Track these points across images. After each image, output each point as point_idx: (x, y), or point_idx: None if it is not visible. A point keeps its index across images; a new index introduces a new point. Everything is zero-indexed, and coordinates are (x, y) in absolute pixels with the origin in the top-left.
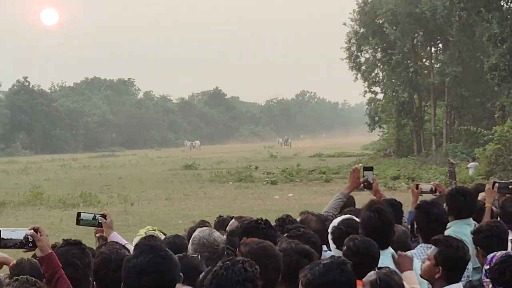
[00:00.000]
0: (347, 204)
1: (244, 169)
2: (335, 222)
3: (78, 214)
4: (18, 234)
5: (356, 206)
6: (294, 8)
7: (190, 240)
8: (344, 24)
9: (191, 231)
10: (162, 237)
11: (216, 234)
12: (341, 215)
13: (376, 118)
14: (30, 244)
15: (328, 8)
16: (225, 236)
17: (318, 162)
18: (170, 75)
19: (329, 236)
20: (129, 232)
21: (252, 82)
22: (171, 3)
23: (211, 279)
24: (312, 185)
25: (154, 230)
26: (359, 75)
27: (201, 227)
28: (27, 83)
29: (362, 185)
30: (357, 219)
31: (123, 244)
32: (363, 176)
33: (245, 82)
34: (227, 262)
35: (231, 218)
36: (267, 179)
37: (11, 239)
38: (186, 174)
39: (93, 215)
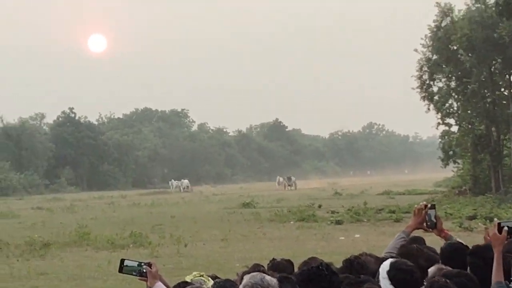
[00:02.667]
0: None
1: (306, 208)
2: (387, 265)
3: (122, 261)
4: (136, 264)
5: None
6: (362, 34)
7: (241, 287)
8: (415, 50)
9: (244, 275)
10: (211, 283)
11: (268, 278)
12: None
13: (450, 153)
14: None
15: (398, 34)
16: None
17: (386, 200)
18: (226, 106)
19: (385, 282)
20: (182, 276)
21: (315, 114)
22: (227, 31)
23: None
24: (381, 225)
25: (202, 275)
26: (431, 106)
27: (256, 270)
28: (73, 115)
29: (425, 224)
30: (405, 261)
31: None
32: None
33: (308, 113)
34: None
35: (286, 261)
36: (331, 218)
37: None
38: (244, 212)
39: (137, 262)
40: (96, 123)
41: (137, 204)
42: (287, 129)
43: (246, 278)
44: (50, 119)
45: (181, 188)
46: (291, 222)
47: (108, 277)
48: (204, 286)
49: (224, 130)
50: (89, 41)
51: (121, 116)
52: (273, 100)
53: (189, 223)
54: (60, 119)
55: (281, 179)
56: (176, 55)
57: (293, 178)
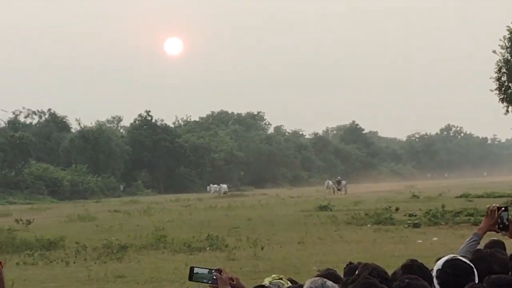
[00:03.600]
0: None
1: (383, 211)
2: (439, 264)
3: (192, 269)
4: (206, 271)
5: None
6: (438, 35)
7: None
8: (494, 52)
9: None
10: (288, 285)
11: (330, 283)
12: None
13: None
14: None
15: (476, 35)
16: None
17: (465, 203)
18: (302, 109)
19: (435, 281)
20: (259, 279)
21: (392, 116)
22: (303, 31)
23: None
24: (459, 229)
25: (280, 278)
26: (510, 108)
27: (328, 274)
28: (149, 118)
29: (497, 226)
30: (463, 259)
31: None
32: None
33: (384, 116)
34: None
35: (360, 265)
36: (409, 221)
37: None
38: (320, 215)
39: (208, 270)
40: (172, 126)
41: (214, 206)
42: (363, 132)
43: (307, 283)
44: (127, 122)
45: (220, 193)
46: (368, 225)
47: (185, 280)
48: None
49: (300, 132)
50: (165, 44)
51: (197, 119)
52: (349, 103)
53: (266, 225)
54: (137, 122)
55: (330, 182)
56: (252, 58)
57: (343, 182)
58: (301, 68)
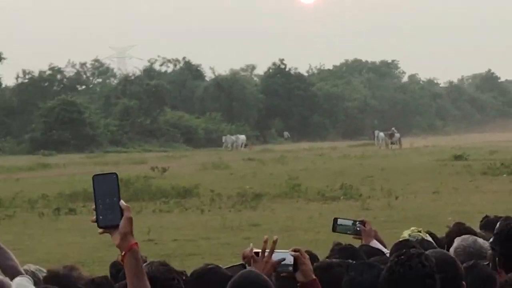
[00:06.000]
0: None
1: None
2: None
3: (335, 220)
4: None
5: None
6: None
7: (453, 250)
8: None
9: (450, 234)
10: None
11: (481, 241)
12: None
13: None
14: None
15: None
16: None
17: None
18: (437, 56)
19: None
20: (393, 229)
21: None
22: None
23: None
24: None
25: (419, 231)
26: None
27: (458, 229)
28: (283, 66)
29: None
30: None
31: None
32: None
33: None
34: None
35: (500, 218)
36: None
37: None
38: (455, 165)
39: (352, 221)
40: (306, 74)
41: (347, 155)
42: (499, 80)
43: (457, 241)
44: (260, 70)
45: (238, 146)
46: (504, 175)
47: (320, 228)
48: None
49: (435, 81)
50: None
51: (331, 68)
52: (485, 51)
53: (400, 175)
54: (271, 70)
55: (381, 134)
56: (386, 6)
57: (396, 134)
58: (435, 16)
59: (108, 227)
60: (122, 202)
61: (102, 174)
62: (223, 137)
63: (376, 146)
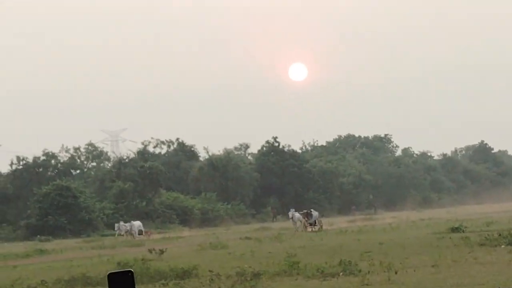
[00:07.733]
0: None
1: None
2: None
3: None
4: None
5: None
6: None
7: None
8: None
9: None
10: None
11: None
12: None
13: None
14: None
15: None
16: None
17: None
18: (430, 130)
19: None
20: None
21: None
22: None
23: None
24: None
25: None
26: None
27: None
28: (277, 144)
29: None
30: None
31: None
32: None
33: None
34: None
35: None
36: None
37: None
38: (453, 237)
39: None
40: (300, 151)
41: (344, 231)
42: (493, 151)
43: None
44: (254, 149)
45: (134, 233)
46: (502, 246)
47: None
48: None
49: (429, 154)
50: (289, 70)
51: (324, 144)
52: (477, 123)
53: (398, 249)
54: (265, 148)
55: (297, 214)
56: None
57: (315, 213)
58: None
59: None
60: None
61: (117, 272)
62: (116, 225)
63: (293, 227)
